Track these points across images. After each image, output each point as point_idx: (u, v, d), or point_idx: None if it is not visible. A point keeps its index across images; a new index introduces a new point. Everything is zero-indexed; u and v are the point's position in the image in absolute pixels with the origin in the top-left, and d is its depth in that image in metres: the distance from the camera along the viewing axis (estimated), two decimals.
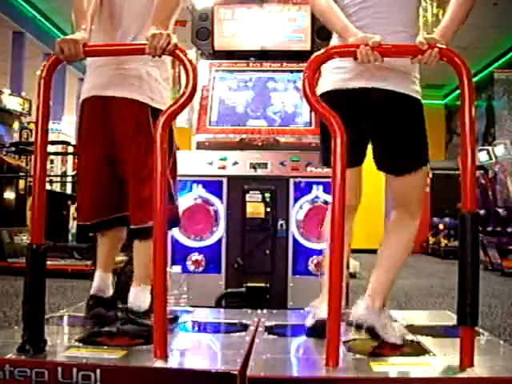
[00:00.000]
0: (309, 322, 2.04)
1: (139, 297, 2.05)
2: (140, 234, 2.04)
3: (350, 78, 1.96)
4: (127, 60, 2.04)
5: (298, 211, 3.12)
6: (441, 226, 10.24)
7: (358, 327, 1.93)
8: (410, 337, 2.02)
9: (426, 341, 1.95)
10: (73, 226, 7.28)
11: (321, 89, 2.01)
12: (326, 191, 3.04)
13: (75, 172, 8.57)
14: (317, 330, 1.95)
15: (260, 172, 3.17)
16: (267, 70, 3.62)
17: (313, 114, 3.33)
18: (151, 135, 1.84)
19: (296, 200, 3.13)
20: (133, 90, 2.04)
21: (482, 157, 8.26)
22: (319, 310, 1.98)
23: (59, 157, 9.34)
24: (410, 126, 1.99)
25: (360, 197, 2.14)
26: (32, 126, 9.11)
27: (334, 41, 2.09)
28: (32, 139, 8.07)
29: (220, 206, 3.14)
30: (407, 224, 2.06)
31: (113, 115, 2.05)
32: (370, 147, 2.10)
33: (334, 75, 2.02)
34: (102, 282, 2.19)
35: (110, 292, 2.22)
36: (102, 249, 2.23)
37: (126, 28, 2.07)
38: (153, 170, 1.72)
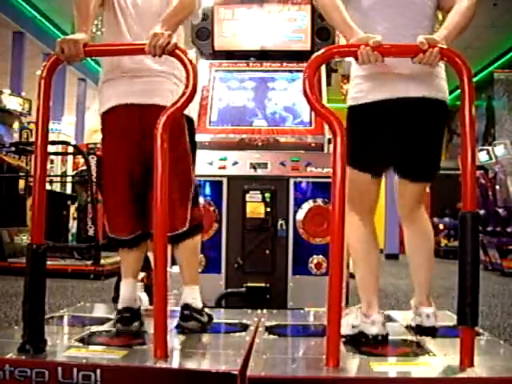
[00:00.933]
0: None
1: (194, 295, 2.14)
2: (176, 239, 2.08)
3: (374, 89, 1.97)
4: (155, 67, 2.04)
5: (297, 211, 3.12)
6: (441, 226, 10.23)
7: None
8: (410, 337, 2.02)
9: (426, 341, 1.95)
10: (73, 225, 7.29)
11: (353, 101, 2.02)
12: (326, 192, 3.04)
13: (75, 172, 8.59)
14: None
15: (260, 172, 3.17)
16: (267, 70, 3.62)
17: (313, 113, 3.32)
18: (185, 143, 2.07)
19: (296, 200, 3.13)
20: (169, 98, 2.00)
21: (482, 157, 8.25)
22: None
23: (59, 157, 9.33)
24: (435, 131, 2.03)
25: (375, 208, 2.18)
26: (32, 126, 9.11)
27: (343, 40, 2.09)
28: (32, 139, 8.07)
29: (220, 206, 3.14)
30: (423, 217, 2.16)
31: (150, 123, 1.91)
32: None
33: (358, 86, 2.01)
34: (132, 291, 2.14)
35: (138, 302, 2.17)
36: (126, 262, 2.18)
37: (136, 36, 2.05)
38: (183, 178, 1.94)
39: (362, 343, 1.91)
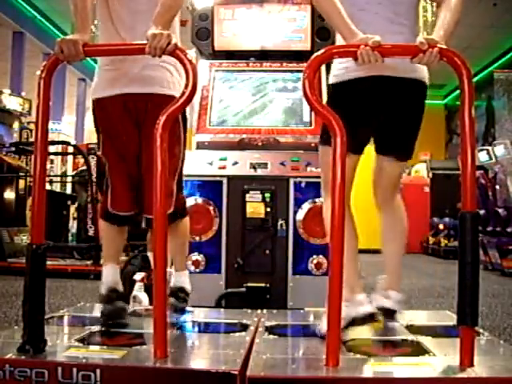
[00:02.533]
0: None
1: (186, 280, 2.45)
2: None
3: (358, 68, 1.97)
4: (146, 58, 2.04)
5: (297, 211, 3.12)
6: (441, 226, 10.23)
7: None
8: (410, 337, 2.02)
9: (426, 341, 1.95)
10: (73, 225, 7.29)
11: (335, 78, 2.08)
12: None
13: (75, 172, 8.59)
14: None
15: (260, 172, 3.17)
16: (267, 70, 3.62)
17: (313, 113, 3.33)
18: (179, 127, 2.15)
19: (296, 200, 3.13)
20: (169, 86, 2.11)
21: (482, 157, 8.25)
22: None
23: (59, 157, 9.34)
24: (411, 110, 2.09)
25: (351, 189, 2.21)
26: (32, 126, 9.11)
27: (341, 40, 2.09)
28: (32, 139, 8.07)
29: (220, 206, 3.14)
30: (399, 204, 2.25)
31: (146, 110, 2.08)
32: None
33: (340, 64, 2.06)
34: (116, 275, 2.23)
35: (121, 286, 2.26)
36: (113, 243, 2.28)
37: (141, 35, 2.06)
38: (177, 162, 2.10)
39: (364, 343, 1.91)
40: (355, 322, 1.99)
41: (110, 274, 2.21)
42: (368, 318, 1.98)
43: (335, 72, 2.10)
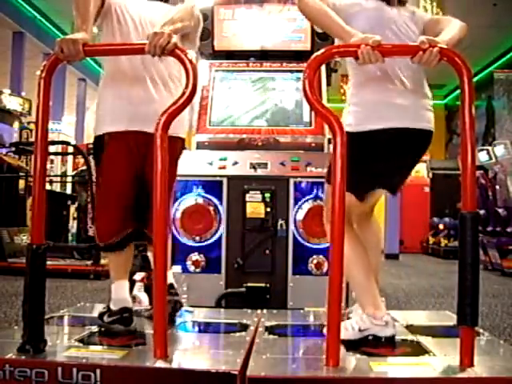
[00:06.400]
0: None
1: (172, 278, 2.38)
2: None
3: (370, 119, 2.00)
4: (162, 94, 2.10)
5: (297, 211, 3.12)
6: (441, 226, 10.22)
7: None
8: (410, 337, 2.02)
9: (426, 341, 1.95)
10: (73, 225, 7.29)
11: (373, 124, 2.02)
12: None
13: (75, 172, 8.58)
14: None
15: (260, 172, 3.17)
16: (267, 70, 3.62)
17: (313, 113, 3.32)
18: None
19: (296, 200, 3.13)
20: (178, 126, 2.10)
21: (482, 157, 8.25)
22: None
23: (59, 157, 9.33)
24: (419, 157, 2.13)
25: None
26: (32, 126, 9.12)
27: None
28: (32, 139, 8.06)
29: (220, 206, 3.14)
30: (375, 219, 2.31)
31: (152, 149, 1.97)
32: None
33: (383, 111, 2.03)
34: (126, 291, 2.16)
35: (131, 302, 2.20)
36: (121, 262, 2.21)
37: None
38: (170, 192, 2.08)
39: (364, 343, 1.90)
40: (373, 338, 1.93)
41: (120, 290, 2.14)
42: (387, 340, 1.94)
43: (349, 121, 2.03)
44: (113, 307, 2.09)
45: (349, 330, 1.94)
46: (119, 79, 2.10)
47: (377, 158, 2.00)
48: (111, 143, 2.12)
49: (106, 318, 2.07)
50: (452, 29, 1.96)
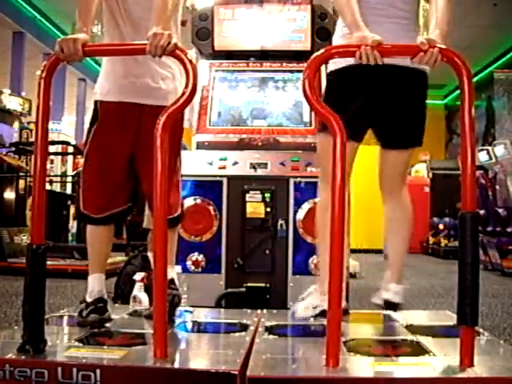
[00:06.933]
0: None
1: (173, 274, 2.33)
2: (171, 223, 2.18)
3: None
4: (157, 64, 2.13)
5: (297, 211, 3.12)
6: (441, 226, 10.21)
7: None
8: (410, 337, 2.02)
9: (426, 341, 1.95)
10: (73, 225, 7.29)
11: (334, 65, 2.09)
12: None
13: (75, 172, 8.58)
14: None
15: (260, 172, 3.17)
16: (267, 70, 3.62)
17: (313, 113, 3.33)
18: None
19: (296, 200, 3.13)
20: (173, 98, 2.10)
21: (482, 157, 8.25)
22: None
23: (59, 157, 9.34)
24: (411, 98, 2.11)
25: (349, 177, 2.22)
26: (32, 126, 9.11)
27: (337, 40, 2.10)
28: (32, 139, 8.06)
29: (220, 206, 3.14)
30: (405, 196, 2.26)
31: (150, 121, 2.00)
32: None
33: None
34: (102, 284, 2.23)
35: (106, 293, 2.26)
36: (98, 249, 2.27)
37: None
38: (180, 165, 2.20)
39: (364, 343, 1.91)
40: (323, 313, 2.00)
41: (97, 283, 2.21)
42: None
43: (333, 60, 2.10)
44: (88, 299, 2.17)
45: (302, 307, 2.09)
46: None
47: (359, 92, 2.05)
48: (104, 113, 2.18)
49: (84, 313, 2.13)
50: (438, 15, 1.99)
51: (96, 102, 2.21)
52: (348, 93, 2.04)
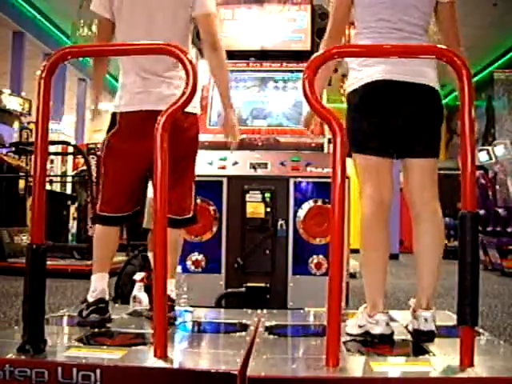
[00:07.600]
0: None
1: (172, 288, 2.29)
2: (181, 223, 2.32)
3: (393, 71, 2.02)
4: (172, 74, 2.23)
5: (297, 211, 3.12)
6: None
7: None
8: (409, 337, 2.02)
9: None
10: (73, 225, 7.29)
11: (364, 79, 2.06)
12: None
13: (75, 172, 8.58)
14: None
15: (260, 172, 3.17)
16: (267, 70, 3.62)
17: None
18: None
19: (296, 200, 3.13)
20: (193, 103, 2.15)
21: (482, 157, 8.25)
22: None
23: (59, 157, 9.32)
24: (434, 114, 2.13)
25: (393, 194, 2.16)
26: (32, 126, 9.11)
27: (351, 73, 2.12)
28: (32, 139, 8.06)
29: (220, 206, 3.14)
30: (436, 213, 2.22)
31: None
32: None
33: (376, 67, 2.05)
34: (105, 284, 2.24)
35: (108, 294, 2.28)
36: (105, 249, 2.29)
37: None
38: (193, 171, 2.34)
39: (364, 343, 1.91)
40: (370, 338, 1.96)
41: (100, 283, 2.23)
42: (382, 339, 1.93)
43: (350, 81, 2.11)
44: (90, 299, 2.18)
45: (350, 324, 2.05)
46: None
47: (377, 110, 2.04)
48: (123, 122, 2.24)
49: (84, 313, 2.13)
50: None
51: (114, 114, 2.26)
52: (366, 112, 2.05)
